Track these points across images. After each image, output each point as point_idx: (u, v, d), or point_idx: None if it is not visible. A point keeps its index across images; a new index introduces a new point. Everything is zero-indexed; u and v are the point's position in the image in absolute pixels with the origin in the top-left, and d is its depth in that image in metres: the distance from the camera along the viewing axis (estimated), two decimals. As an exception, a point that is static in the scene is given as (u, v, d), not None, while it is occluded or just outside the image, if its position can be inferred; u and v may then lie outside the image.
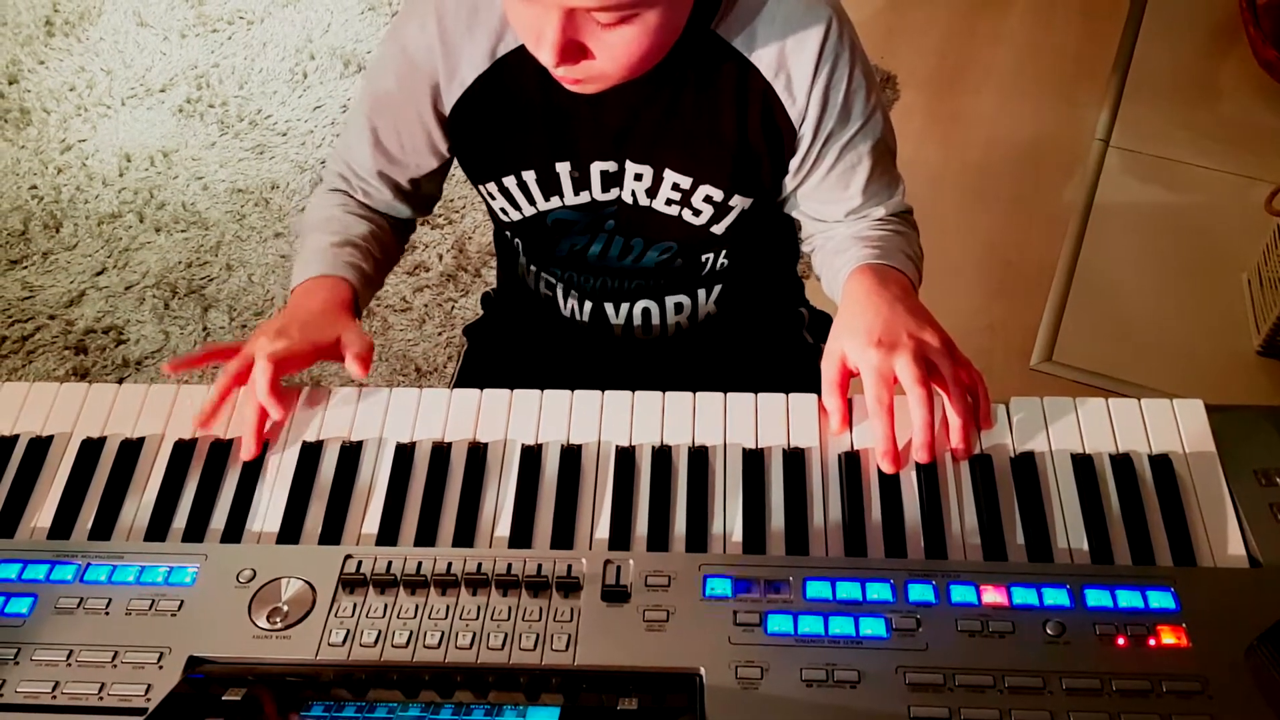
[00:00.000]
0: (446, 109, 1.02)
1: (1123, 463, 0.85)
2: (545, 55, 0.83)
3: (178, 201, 2.36)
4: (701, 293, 1.15)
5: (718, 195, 1.02)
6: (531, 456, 0.89)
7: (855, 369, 0.90)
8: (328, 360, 0.96)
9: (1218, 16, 2.67)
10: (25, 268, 2.27)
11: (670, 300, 1.15)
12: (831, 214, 1.06)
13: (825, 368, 0.91)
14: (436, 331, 2.14)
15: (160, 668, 0.75)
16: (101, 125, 2.51)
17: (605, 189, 1.04)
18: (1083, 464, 0.86)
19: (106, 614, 0.78)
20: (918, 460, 0.85)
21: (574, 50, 0.84)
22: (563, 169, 1.02)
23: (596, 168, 1.02)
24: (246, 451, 0.89)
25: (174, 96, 2.56)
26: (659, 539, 0.84)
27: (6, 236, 2.32)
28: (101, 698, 0.73)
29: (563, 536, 0.84)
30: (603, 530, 0.85)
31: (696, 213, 1.04)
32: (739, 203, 1.03)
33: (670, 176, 1.01)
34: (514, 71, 0.98)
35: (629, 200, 1.04)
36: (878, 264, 0.98)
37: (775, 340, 1.27)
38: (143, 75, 2.61)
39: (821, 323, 1.28)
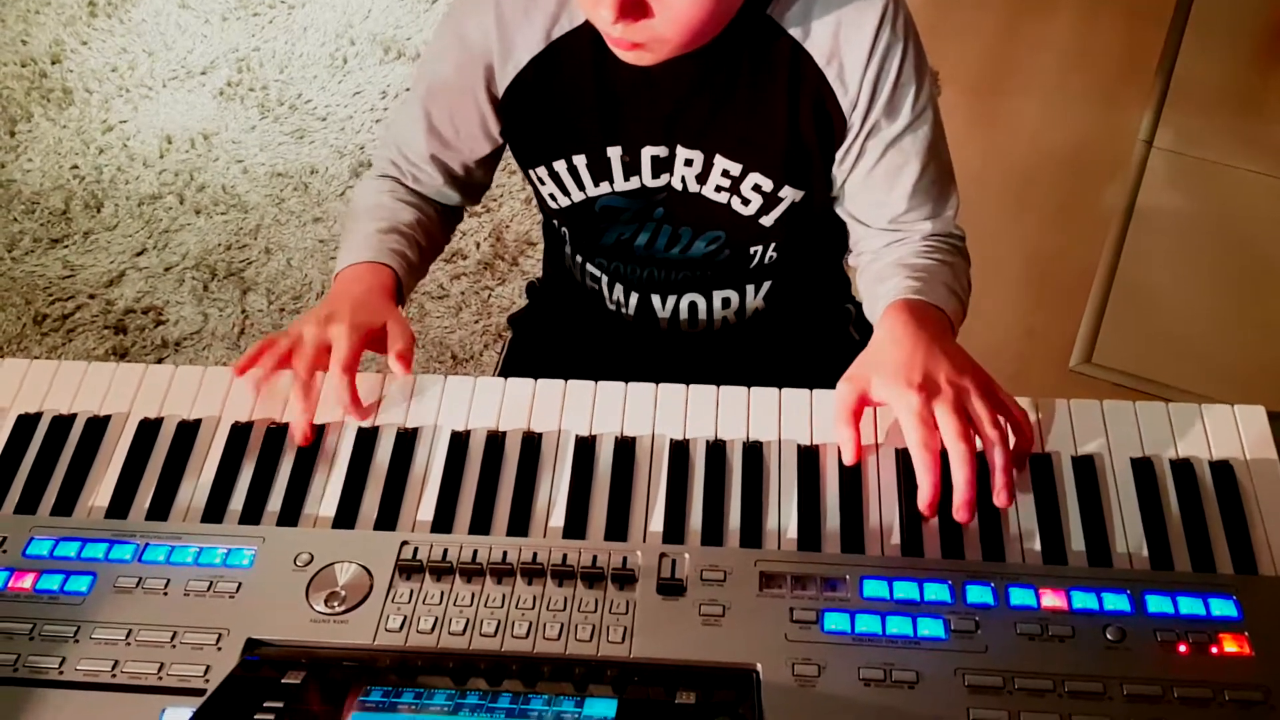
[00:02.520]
0: (500, 91, 1.02)
1: (1183, 468, 0.85)
2: (604, 11, 0.83)
3: (217, 184, 2.37)
4: (750, 288, 1.14)
5: (767, 185, 1.02)
6: (586, 448, 0.89)
7: (879, 401, 0.87)
8: (371, 350, 0.95)
9: (1265, 17, 2.64)
10: (66, 247, 2.28)
11: (718, 295, 1.14)
12: (875, 219, 1.04)
13: (843, 392, 0.88)
14: (473, 319, 2.15)
15: (219, 649, 0.75)
16: (143, 106, 2.53)
17: (656, 175, 1.04)
18: (1143, 468, 0.85)
19: (165, 594, 0.78)
20: (959, 520, 0.81)
21: (633, 6, 0.83)
22: (614, 153, 1.02)
23: (647, 153, 1.01)
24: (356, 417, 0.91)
25: (215, 79, 2.57)
26: (713, 534, 0.84)
27: (48, 215, 2.33)
28: (161, 677, 0.74)
29: (617, 528, 0.84)
30: (657, 523, 0.85)
31: (746, 201, 1.03)
32: (789, 194, 1.03)
33: (720, 163, 1.01)
34: (568, 54, 0.98)
35: (679, 187, 1.04)
36: (917, 300, 0.94)
37: (821, 336, 1.26)
38: (184, 57, 2.62)
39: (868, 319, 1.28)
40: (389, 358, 0.94)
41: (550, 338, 1.31)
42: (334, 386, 0.91)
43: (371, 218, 1.07)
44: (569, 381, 0.94)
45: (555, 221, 1.16)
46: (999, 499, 0.81)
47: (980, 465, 0.81)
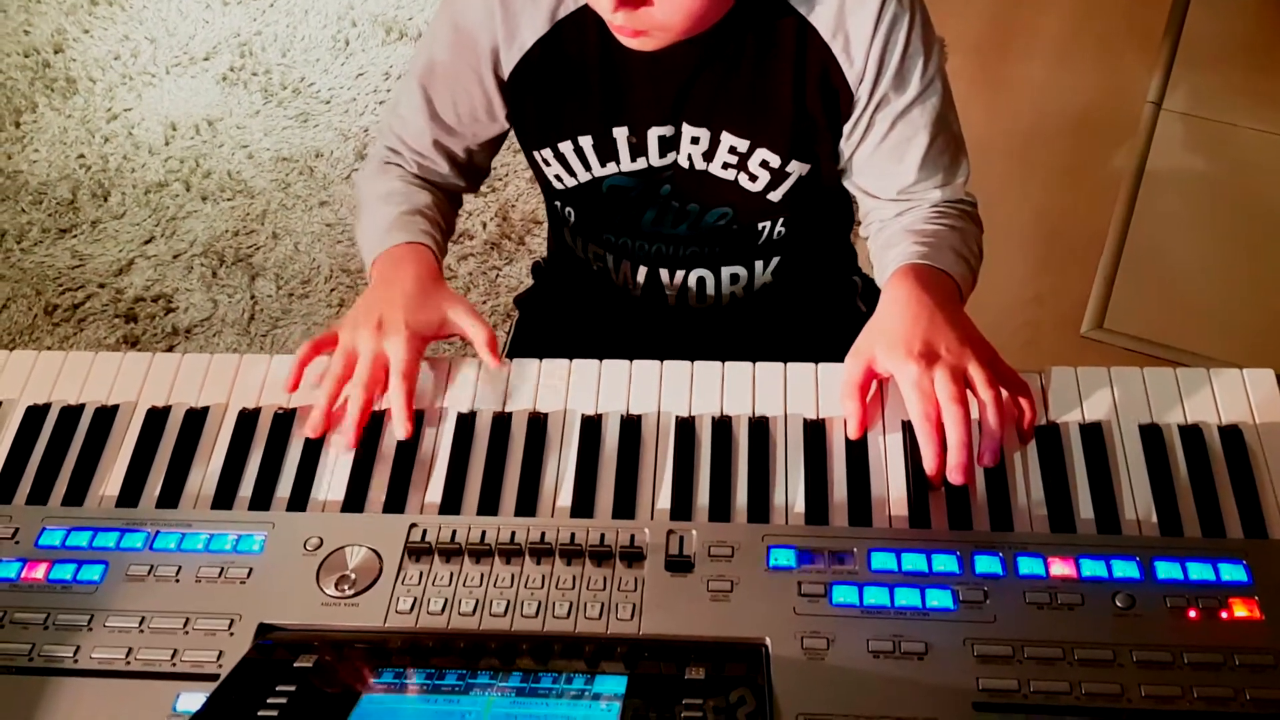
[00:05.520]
0: (505, 73, 1.01)
1: (1192, 433, 0.84)
2: (604, 1, 0.82)
3: (223, 170, 2.37)
4: (759, 264, 1.14)
5: (775, 160, 1.01)
6: (592, 427, 0.89)
7: (884, 374, 0.87)
8: (436, 341, 0.94)
9: (1274, -26, 2.60)
10: (75, 236, 2.29)
11: (726, 271, 1.14)
12: (885, 190, 1.04)
13: (850, 367, 0.88)
14: (481, 300, 2.15)
15: (231, 634, 0.76)
16: (147, 94, 2.52)
17: (662, 154, 1.03)
18: (1151, 434, 0.84)
19: (177, 581, 0.79)
20: (952, 482, 0.81)
21: None
22: (620, 134, 1.02)
23: (654, 133, 1.01)
24: (402, 430, 0.89)
25: (217, 65, 2.57)
26: (720, 510, 0.84)
27: (55, 205, 2.34)
28: (174, 664, 0.75)
29: (624, 507, 0.84)
30: (664, 501, 0.85)
31: (753, 178, 1.03)
32: (796, 169, 1.02)
33: (728, 139, 1.00)
34: (573, 35, 0.97)
35: (685, 165, 1.03)
36: (923, 265, 0.94)
37: (828, 309, 1.26)
38: (186, 43, 2.62)
39: (874, 290, 1.27)
40: (481, 352, 0.93)
41: (557, 317, 1.31)
42: (393, 395, 0.90)
43: (389, 204, 1.06)
44: (574, 360, 0.94)
45: (558, 202, 1.16)
46: (981, 459, 0.81)
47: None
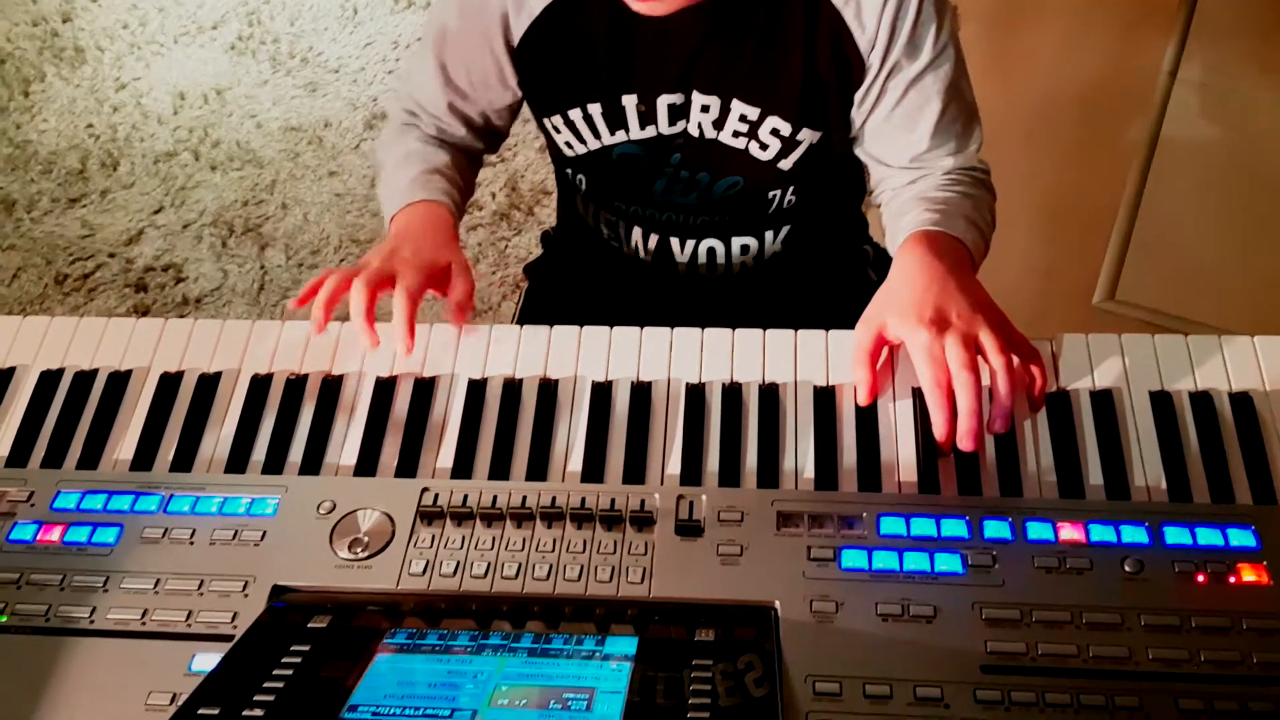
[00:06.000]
0: (515, 40, 1.01)
1: (1202, 400, 0.84)
2: None
3: (232, 140, 2.37)
4: (769, 233, 1.14)
5: (785, 128, 1.01)
6: (602, 393, 0.89)
7: (895, 340, 0.87)
8: (433, 289, 0.95)
9: (1291, -58, 2.57)
10: (84, 206, 2.29)
11: (736, 241, 1.14)
12: (897, 158, 1.03)
13: (860, 334, 0.88)
14: (490, 270, 2.15)
15: (245, 596, 0.76)
16: (155, 63, 2.52)
17: (672, 122, 1.03)
18: (1161, 401, 0.85)
19: (191, 544, 0.80)
20: (963, 449, 0.81)
21: None
22: (629, 102, 1.01)
23: (663, 101, 1.01)
24: (403, 346, 0.90)
25: (225, 34, 2.56)
26: (730, 475, 0.84)
27: (65, 175, 2.34)
28: (189, 625, 0.75)
29: (634, 472, 0.85)
30: (674, 466, 0.85)
31: (764, 146, 1.02)
32: (807, 137, 1.02)
33: (738, 107, 1.00)
34: (582, 1, 0.97)
35: (695, 133, 1.03)
36: (935, 231, 0.93)
37: (839, 278, 1.26)
38: (194, 12, 2.61)
39: (885, 260, 1.27)
40: (450, 301, 0.95)
41: (567, 286, 1.31)
42: (396, 307, 0.90)
43: (409, 163, 1.07)
44: (584, 328, 0.94)
45: (570, 170, 1.16)
46: (992, 426, 0.81)
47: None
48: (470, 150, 1.15)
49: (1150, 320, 1.98)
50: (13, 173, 2.35)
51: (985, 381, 0.82)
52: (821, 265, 1.23)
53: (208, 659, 0.72)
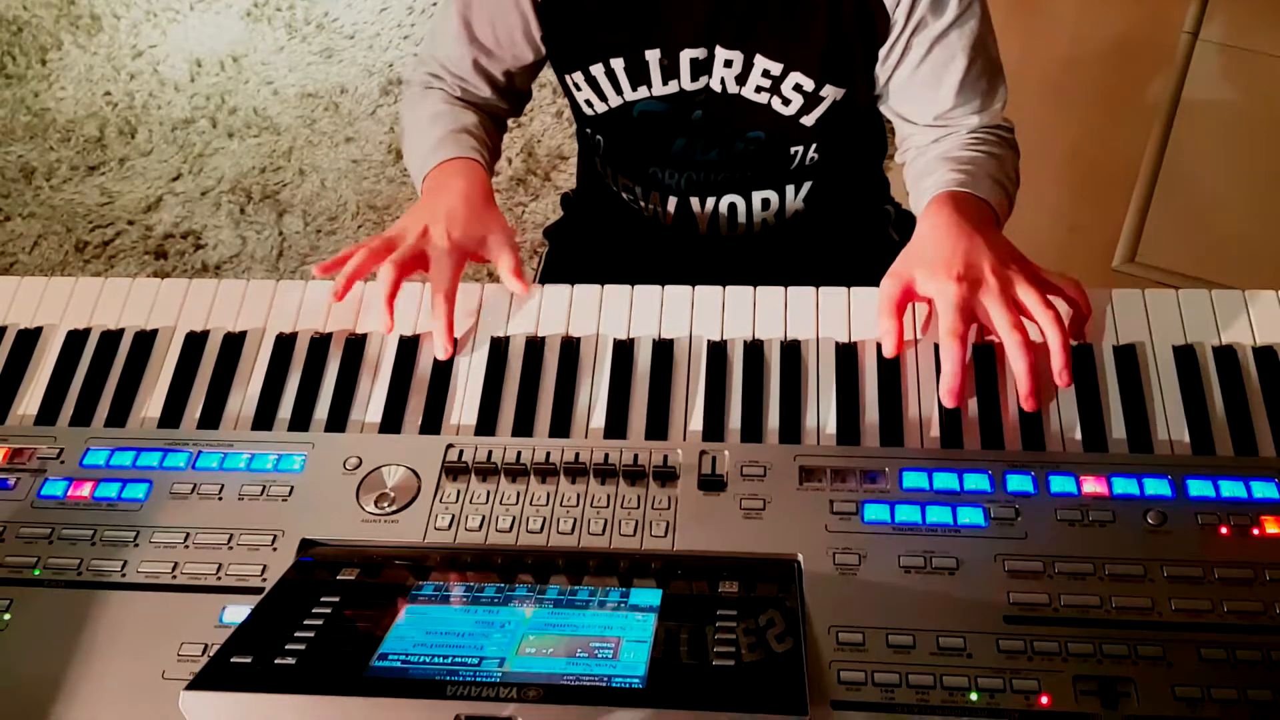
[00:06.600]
0: None
1: (1226, 354, 0.84)
2: None
3: (249, 106, 2.37)
4: (790, 189, 1.13)
5: (808, 84, 1.00)
6: (624, 351, 0.89)
7: (923, 295, 0.87)
8: (475, 260, 0.95)
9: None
10: (103, 174, 2.30)
11: (758, 196, 1.14)
12: (921, 115, 1.03)
13: (887, 286, 0.87)
14: (508, 235, 2.15)
15: (274, 549, 0.77)
16: (171, 30, 2.52)
17: (694, 78, 1.02)
18: (1185, 355, 0.84)
19: (220, 499, 0.81)
20: (1025, 409, 0.81)
21: None
22: (652, 57, 1.01)
23: (686, 55, 1.00)
24: (442, 350, 0.90)
25: (241, 0, 2.55)
26: (753, 431, 0.84)
27: (84, 143, 2.35)
28: (219, 578, 0.76)
29: (657, 428, 0.85)
30: (696, 423, 0.85)
31: (786, 101, 1.02)
32: (830, 93, 1.01)
33: (761, 63, 0.99)
34: None
35: (718, 89, 1.03)
36: (961, 192, 0.93)
37: (860, 238, 1.25)
38: (209, -21, 2.60)
39: (907, 220, 1.26)
40: (503, 275, 0.94)
41: (587, 247, 1.31)
42: (434, 315, 0.90)
43: (437, 124, 1.06)
44: (605, 286, 0.94)
45: (590, 130, 1.15)
46: (1060, 379, 0.81)
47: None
48: (495, 111, 1.14)
49: (1170, 283, 1.97)
50: (31, 141, 2.36)
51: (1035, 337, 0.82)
52: (843, 225, 1.22)
53: (238, 611, 0.73)
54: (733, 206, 1.15)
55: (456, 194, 0.98)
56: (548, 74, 1.13)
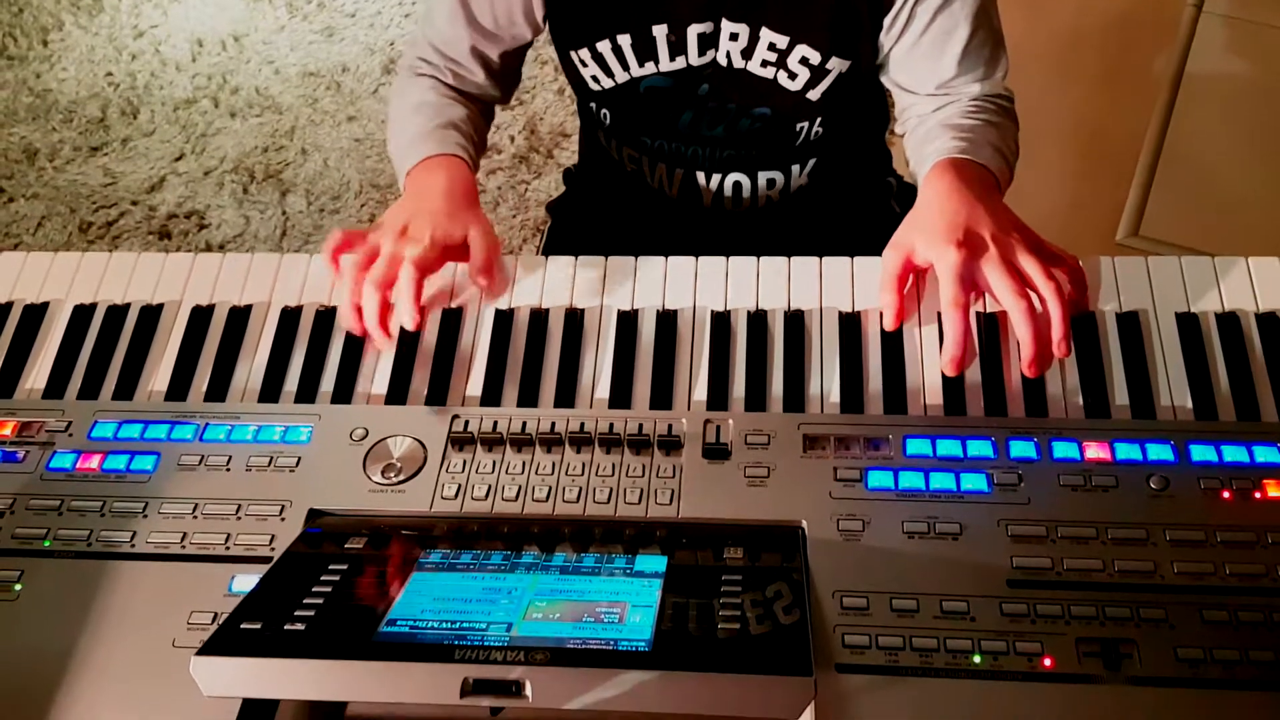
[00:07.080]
0: None
1: (1228, 320, 0.84)
2: None
3: (250, 86, 2.37)
4: (795, 167, 1.13)
5: (815, 57, 1.00)
6: (628, 321, 0.90)
7: (924, 264, 0.87)
8: (454, 260, 0.93)
9: None
10: (106, 154, 2.30)
11: (763, 175, 1.14)
12: (923, 85, 1.03)
13: (888, 259, 0.87)
14: (510, 214, 2.15)
15: (282, 519, 0.78)
16: (172, 10, 2.51)
17: (701, 52, 1.02)
18: (1187, 322, 0.85)
19: (228, 470, 0.81)
20: (1027, 375, 0.81)
21: None
22: (659, 32, 1.01)
23: (693, 30, 1.00)
24: (382, 343, 0.88)
25: (242, -21, 2.55)
26: (756, 400, 0.85)
27: (86, 124, 2.35)
28: (228, 547, 0.77)
29: (661, 398, 0.86)
30: (700, 392, 0.86)
31: (793, 75, 1.02)
32: (836, 65, 1.01)
33: (767, 35, 0.99)
34: None
35: (724, 63, 1.02)
36: (962, 158, 0.93)
37: (863, 210, 1.25)
38: (209, -41, 2.60)
39: (909, 192, 1.26)
40: (471, 271, 0.92)
41: (590, 223, 1.31)
42: (400, 282, 0.87)
43: (423, 116, 1.05)
44: (609, 258, 0.94)
45: (594, 105, 1.15)
46: (1059, 349, 0.81)
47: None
48: (485, 99, 1.14)
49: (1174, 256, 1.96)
50: (34, 122, 2.36)
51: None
52: (846, 198, 1.22)
53: (247, 580, 0.74)
54: (738, 185, 1.15)
55: (438, 192, 0.96)
56: (549, 51, 1.12)
